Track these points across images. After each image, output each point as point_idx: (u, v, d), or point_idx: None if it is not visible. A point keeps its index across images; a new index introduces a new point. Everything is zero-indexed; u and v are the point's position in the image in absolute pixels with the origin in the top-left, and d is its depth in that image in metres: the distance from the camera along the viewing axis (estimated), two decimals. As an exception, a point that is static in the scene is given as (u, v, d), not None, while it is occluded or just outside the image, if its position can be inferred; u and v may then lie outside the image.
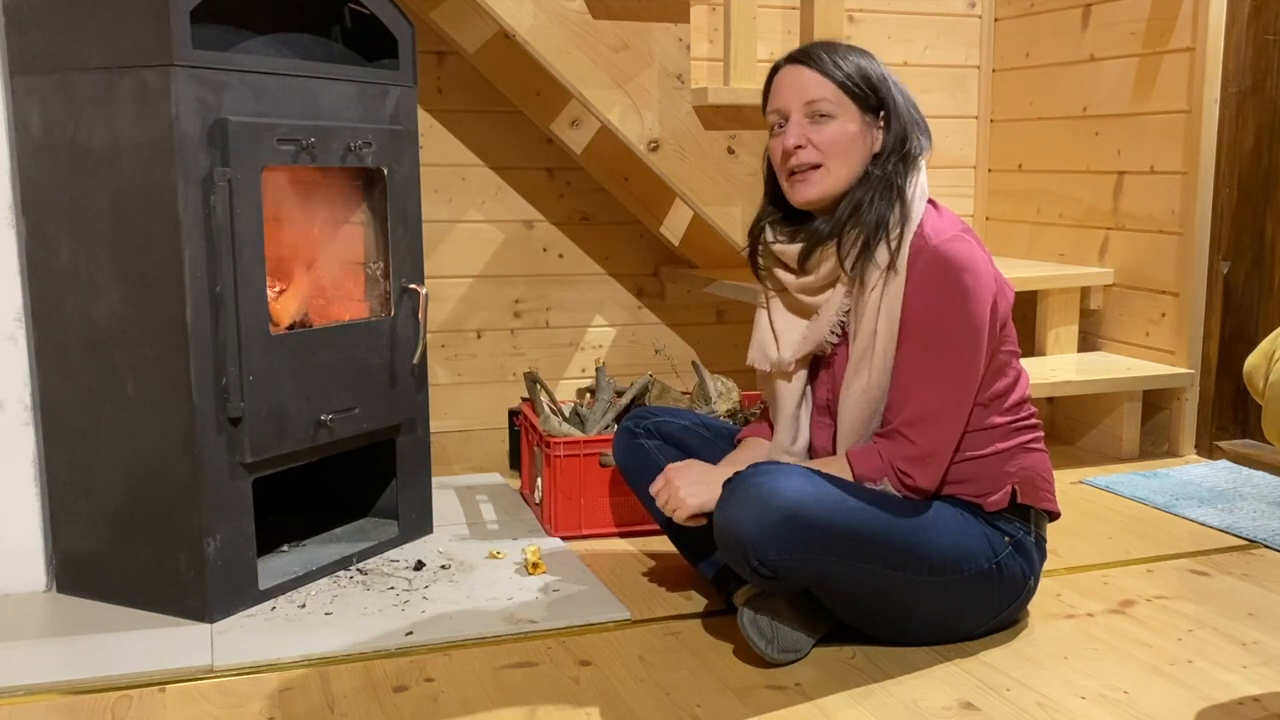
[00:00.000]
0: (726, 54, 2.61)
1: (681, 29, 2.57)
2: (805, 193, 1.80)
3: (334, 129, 2.05)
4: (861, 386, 1.77)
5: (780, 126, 1.82)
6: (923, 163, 1.82)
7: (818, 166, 1.78)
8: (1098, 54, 3.13)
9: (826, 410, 1.88)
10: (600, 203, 3.07)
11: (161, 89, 1.82)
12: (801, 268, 1.83)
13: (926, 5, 3.39)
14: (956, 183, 3.54)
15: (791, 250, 1.83)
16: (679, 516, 1.80)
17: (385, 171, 2.18)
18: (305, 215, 2.25)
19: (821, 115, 1.77)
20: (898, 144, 1.79)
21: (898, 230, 1.74)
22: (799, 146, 1.78)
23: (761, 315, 1.94)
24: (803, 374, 1.88)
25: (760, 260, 1.90)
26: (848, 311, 1.81)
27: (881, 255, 1.74)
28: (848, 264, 1.77)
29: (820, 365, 1.88)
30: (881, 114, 1.80)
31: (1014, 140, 3.45)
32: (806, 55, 1.80)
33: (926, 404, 1.73)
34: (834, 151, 1.77)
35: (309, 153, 2.00)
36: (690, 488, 1.79)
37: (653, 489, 1.86)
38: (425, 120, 2.88)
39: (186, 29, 1.82)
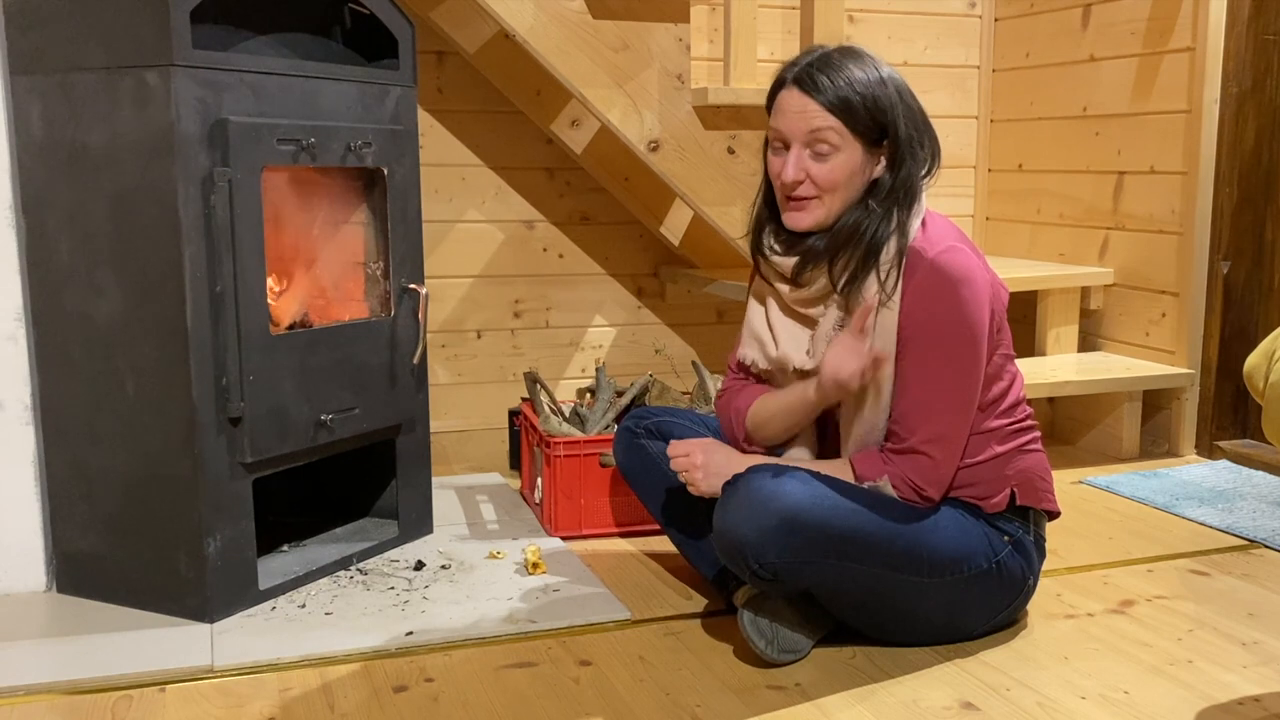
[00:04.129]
0: (726, 54, 2.60)
1: (681, 29, 2.56)
2: (800, 221, 1.77)
3: (334, 129, 2.05)
4: (862, 406, 1.77)
5: (780, 147, 1.77)
6: (925, 189, 1.78)
7: (815, 197, 1.75)
8: (1098, 54, 3.13)
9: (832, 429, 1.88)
10: (600, 203, 3.07)
11: (161, 89, 1.82)
12: (795, 281, 1.81)
13: (926, 5, 3.39)
14: (956, 183, 3.54)
15: (786, 264, 1.81)
16: (690, 488, 1.82)
17: (385, 171, 2.18)
18: (305, 215, 2.25)
19: (822, 151, 1.72)
20: (900, 173, 1.74)
21: (889, 265, 1.72)
22: (798, 181, 1.74)
23: (756, 312, 1.91)
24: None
25: (760, 263, 1.89)
26: (842, 327, 1.79)
27: (870, 287, 1.73)
28: (838, 287, 1.76)
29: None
30: (884, 143, 1.75)
31: (1014, 140, 3.45)
32: (812, 82, 1.72)
33: (943, 421, 1.73)
34: (831, 186, 1.73)
35: (309, 153, 2.00)
36: (711, 477, 1.79)
37: (674, 450, 1.85)
38: (425, 120, 2.88)
39: (186, 29, 1.82)
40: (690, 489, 1.83)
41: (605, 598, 2.04)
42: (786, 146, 1.75)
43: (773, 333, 1.88)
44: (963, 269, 1.71)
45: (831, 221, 1.76)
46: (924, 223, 1.77)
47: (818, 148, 1.72)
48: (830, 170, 1.73)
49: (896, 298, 1.72)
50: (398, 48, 2.20)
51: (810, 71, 1.73)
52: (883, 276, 1.72)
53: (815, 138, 1.72)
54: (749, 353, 1.92)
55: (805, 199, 1.75)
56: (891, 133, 1.73)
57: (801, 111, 1.72)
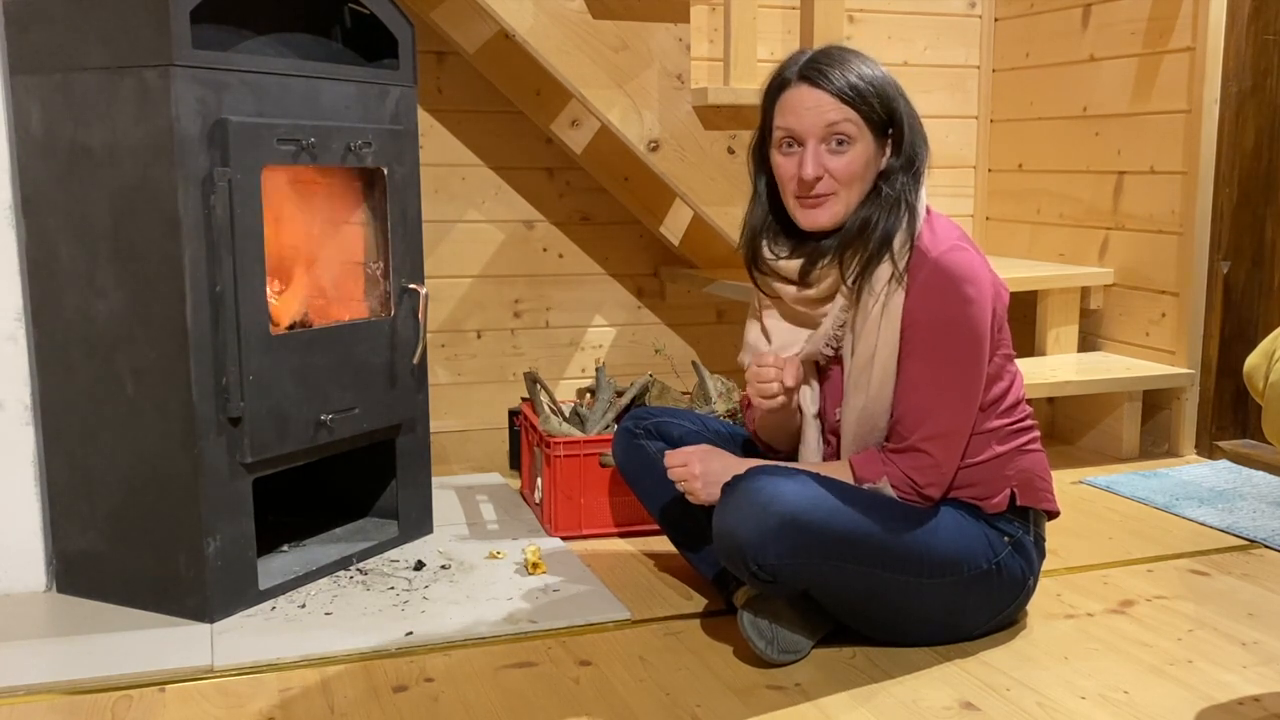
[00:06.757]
0: (726, 54, 2.60)
1: (681, 29, 2.57)
2: (817, 219, 1.76)
3: (334, 129, 2.05)
4: (861, 403, 1.76)
5: (790, 146, 1.75)
6: (926, 176, 1.79)
7: (832, 193, 1.74)
8: (1098, 54, 3.13)
9: (830, 429, 1.87)
10: (600, 203, 3.07)
11: (161, 89, 1.82)
12: (802, 281, 1.81)
13: (926, 5, 3.39)
14: (956, 183, 3.54)
15: (791, 266, 1.80)
16: (690, 498, 1.82)
17: (385, 171, 2.18)
18: (305, 215, 2.25)
19: (840, 142, 1.72)
20: (906, 161, 1.76)
21: (906, 246, 1.72)
22: (818, 178, 1.73)
23: (752, 326, 1.92)
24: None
25: (758, 269, 1.87)
26: (843, 325, 1.79)
27: (884, 271, 1.72)
28: (849, 280, 1.75)
29: (819, 382, 1.87)
30: (890, 131, 1.76)
31: (1014, 140, 3.45)
32: (822, 75, 1.72)
33: (945, 419, 1.73)
34: (850, 179, 1.73)
35: (309, 153, 2.00)
36: (710, 486, 1.78)
37: (671, 460, 1.84)
38: (425, 120, 2.88)
39: (186, 29, 1.82)
40: (690, 498, 1.83)
41: (605, 598, 2.04)
42: (797, 145, 1.75)
43: (767, 336, 1.88)
44: (967, 268, 1.71)
45: (845, 218, 1.76)
46: (928, 221, 1.77)
47: (835, 141, 1.73)
48: (849, 163, 1.73)
49: (900, 293, 1.72)
50: (398, 48, 2.20)
51: (816, 66, 1.73)
52: (898, 264, 1.71)
53: (832, 131, 1.72)
54: (745, 357, 1.92)
55: (824, 195, 1.75)
56: (898, 119, 1.75)
57: (816, 107, 1.72)
